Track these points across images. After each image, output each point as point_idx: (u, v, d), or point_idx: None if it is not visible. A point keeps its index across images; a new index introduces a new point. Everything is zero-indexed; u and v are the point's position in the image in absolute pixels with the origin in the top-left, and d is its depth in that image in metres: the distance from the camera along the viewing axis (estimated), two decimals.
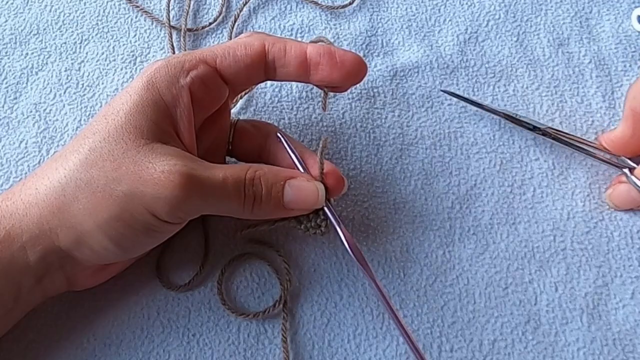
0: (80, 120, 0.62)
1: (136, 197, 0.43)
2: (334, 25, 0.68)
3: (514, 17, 0.68)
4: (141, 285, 0.55)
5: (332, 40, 0.67)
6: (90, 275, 0.50)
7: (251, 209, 0.47)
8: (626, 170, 0.56)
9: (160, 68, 0.47)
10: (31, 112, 0.63)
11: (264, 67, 0.50)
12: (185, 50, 0.66)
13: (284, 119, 0.62)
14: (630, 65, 0.65)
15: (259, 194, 0.47)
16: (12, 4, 0.69)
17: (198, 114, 0.49)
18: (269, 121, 0.60)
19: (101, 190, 0.43)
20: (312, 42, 0.63)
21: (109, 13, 0.69)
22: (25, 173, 0.59)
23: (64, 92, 0.64)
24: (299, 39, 0.67)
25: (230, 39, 0.67)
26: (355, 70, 0.50)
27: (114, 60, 0.66)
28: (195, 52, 0.49)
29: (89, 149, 0.45)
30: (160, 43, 0.67)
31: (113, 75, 0.65)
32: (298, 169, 0.50)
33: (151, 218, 0.44)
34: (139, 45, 0.67)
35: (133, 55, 0.66)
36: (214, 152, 0.54)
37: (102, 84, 0.65)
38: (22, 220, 0.45)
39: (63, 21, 0.68)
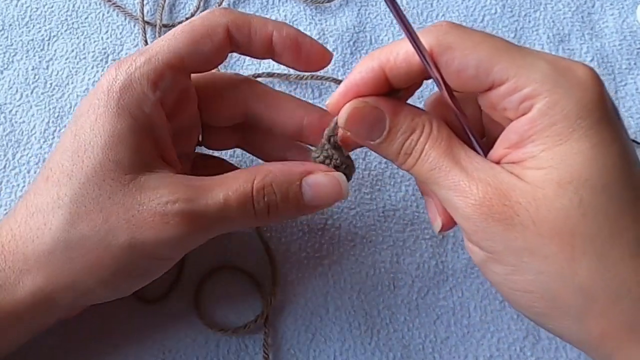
0: (49, 122, 0.63)
1: (136, 247, 0.42)
2: (319, 20, 0.69)
3: (511, 11, 0.69)
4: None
5: (317, 37, 0.67)
6: (79, 309, 0.51)
7: (267, 218, 0.46)
8: None
9: (126, 87, 0.45)
10: None
11: (228, 51, 0.49)
12: None
13: None
14: (635, 63, 0.66)
15: (274, 202, 0.45)
16: None
17: (173, 123, 0.48)
18: None
19: (96, 246, 0.42)
20: None
21: (79, 8, 0.69)
22: None
23: (31, 92, 0.64)
24: None
25: None
26: (320, 63, 0.49)
27: (85, 58, 0.66)
28: (158, 54, 0.46)
29: (70, 201, 0.43)
30: (134, 39, 0.67)
31: (83, 74, 0.65)
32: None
33: (154, 261, 0.45)
34: (111, 42, 0.67)
35: (105, 53, 0.67)
36: (186, 138, 0.52)
37: (72, 83, 0.65)
38: (15, 291, 0.43)
39: (30, 16, 0.68)
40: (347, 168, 0.48)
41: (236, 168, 0.55)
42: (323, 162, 0.47)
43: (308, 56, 0.49)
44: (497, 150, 0.41)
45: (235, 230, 0.47)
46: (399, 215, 0.59)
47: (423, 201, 0.59)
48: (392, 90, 0.43)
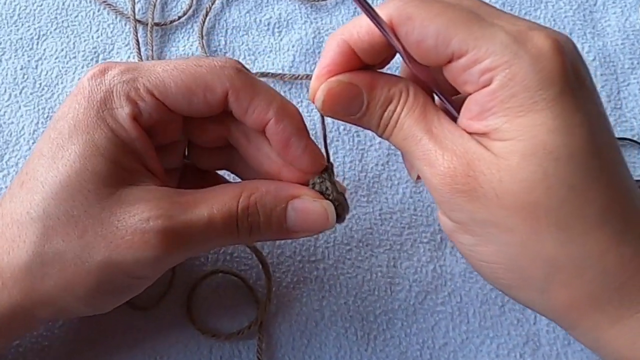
0: (38, 123, 0.63)
1: (113, 265, 0.42)
2: (315, 19, 0.69)
3: (511, 10, 0.70)
4: None
5: (312, 36, 0.68)
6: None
7: (248, 238, 0.46)
8: None
9: (105, 100, 0.44)
10: None
11: (224, 110, 0.47)
12: (152, 46, 0.67)
13: None
14: (638, 63, 0.66)
15: (256, 224, 0.45)
16: None
17: (154, 139, 0.47)
18: None
19: (72, 263, 0.42)
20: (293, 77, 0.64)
21: (68, 6, 0.69)
22: None
23: (20, 92, 0.65)
24: (277, 35, 0.68)
25: (202, 35, 0.68)
26: (304, 172, 0.48)
27: (75, 57, 0.67)
28: (142, 77, 0.45)
29: (44, 213, 0.42)
30: (125, 39, 0.68)
31: (73, 73, 0.66)
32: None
33: (133, 280, 0.44)
34: (101, 41, 0.68)
35: (95, 52, 0.67)
36: (170, 153, 0.51)
37: (62, 83, 0.65)
38: None
39: (19, 15, 0.69)
40: (339, 206, 0.47)
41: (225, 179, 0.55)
42: None
43: (294, 161, 0.47)
44: (460, 121, 0.41)
45: (215, 248, 0.47)
46: (396, 218, 0.59)
47: (421, 204, 0.59)
48: (363, 65, 0.43)
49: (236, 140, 0.49)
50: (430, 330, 0.55)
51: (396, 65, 0.46)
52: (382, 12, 0.39)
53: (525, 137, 0.37)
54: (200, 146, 0.51)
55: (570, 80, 0.37)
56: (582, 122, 0.37)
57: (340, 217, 0.48)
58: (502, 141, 0.38)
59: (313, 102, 0.43)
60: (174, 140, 0.50)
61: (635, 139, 0.62)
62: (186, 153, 0.52)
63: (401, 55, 0.41)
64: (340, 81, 0.42)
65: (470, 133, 0.40)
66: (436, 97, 0.44)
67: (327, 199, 0.47)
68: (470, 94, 0.40)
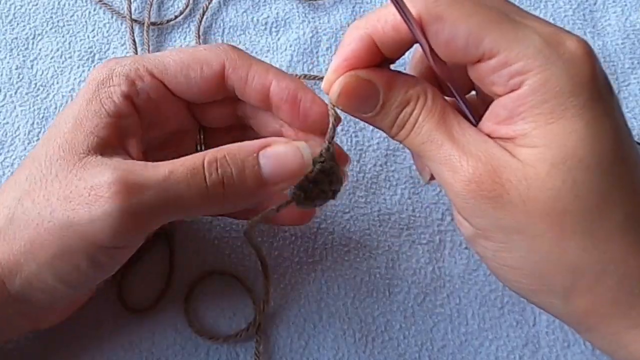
0: (33, 123, 0.63)
1: (69, 226, 0.42)
2: (313, 18, 0.69)
3: None
4: (100, 304, 0.55)
5: (310, 35, 0.68)
6: (53, 314, 0.50)
7: (222, 196, 0.44)
8: None
9: (104, 79, 0.46)
10: None
11: (223, 89, 0.48)
12: (148, 46, 0.67)
13: None
14: (638, 62, 0.67)
15: (229, 175, 0.43)
16: None
17: (153, 129, 0.49)
18: None
19: (35, 224, 0.42)
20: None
21: (64, 5, 0.69)
22: None
23: (15, 92, 0.65)
24: (274, 34, 0.68)
25: (199, 34, 0.68)
26: (319, 125, 0.47)
27: (70, 57, 0.67)
28: (144, 59, 0.48)
29: (25, 178, 0.44)
30: (121, 38, 0.68)
31: (69, 73, 0.66)
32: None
33: (94, 248, 0.42)
34: (97, 40, 0.68)
35: (91, 52, 0.67)
36: (177, 142, 0.52)
37: (57, 83, 0.65)
38: None
39: (14, 14, 0.69)
40: (333, 174, 0.46)
41: None
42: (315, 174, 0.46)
43: (306, 114, 0.47)
44: (485, 125, 0.41)
45: (193, 216, 0.45)
46: (394, 220, 0.59)
47: (420, 205, 0.60)
48: (384, 60, 0.43)
49: (244, 119, 0.51)
50: (429, 332, 0.55)
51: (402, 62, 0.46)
52: (411, 9, 0.38)
53: (556, 144, 0.37)
54: (212, 129, 0.53)
55: (600, 86, 0.38)
56: (610, 129, 0.37)
57: (333, 189, 0.47)
58: (530, 148, 0.38)
59: (327, 94, 0.43)
60: (180, 129, 0.51)
61: (636, 139, 0.62)
62: (202, 144, 0.53)
63: (425, 53, 0.41)
64: (359, 77, 0.42)
65: (494, 138, 0.40)
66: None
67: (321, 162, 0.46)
68: (497, 95, 0.40)
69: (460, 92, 0.43)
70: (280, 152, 0.44)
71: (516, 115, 0.38)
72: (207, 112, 0.51)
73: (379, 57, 0.42)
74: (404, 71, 0.44)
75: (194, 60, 0.47)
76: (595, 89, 0.37)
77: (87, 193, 0.41)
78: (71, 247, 0.42)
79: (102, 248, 0.43)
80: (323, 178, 0.46)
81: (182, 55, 0.48)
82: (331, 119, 0.46)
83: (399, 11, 0.38)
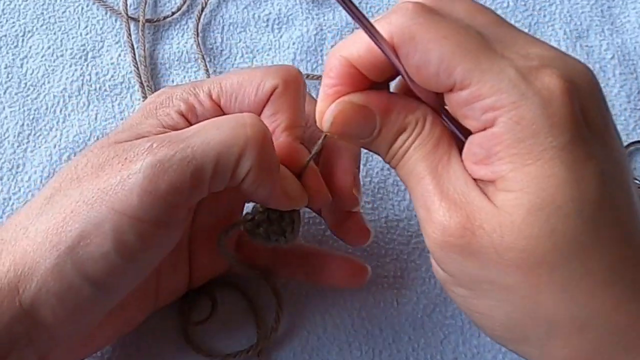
0: (23, 124, 0.63)
1: (98, 199, 0.41)
2: (317, 14, 0.69)
3: (525, 5, 0.69)
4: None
5: (314, 33, 0.68)
6: (67, 352, 0.47)
7: (260, 146, 0.43)
8: None
9: (163, 101, 0.48)
10: None
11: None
12: (144, 45, 0.66)
13: None
14: None
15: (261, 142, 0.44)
16: None
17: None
18: None
19: (62, 210, 0.42)
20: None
21: (55, 1, 0.69)
22: None
23: (4, 93, 0.64)
24: (277, 31, 0.68)
25: (197, 32, 0.67)
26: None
27: (62, 55, 0.66)
28: (204, 83, 0.49)
29: (55, 179, 0.45)
30: (116, 36, 0.67)
31: (61, 72, 0.65)
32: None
33: (121, 220, 0.41)
34: (90, 38, 0.67)
35: (84, 50, 0.67)
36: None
37: (48, 82, 0.65)
38: None
39: (3, 10, 0.69)
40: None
41: None
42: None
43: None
44: (465, 163, 0.39)
45: (232, 182, 0.44)
46: (402, 226, 0.59)
47: None
48: (373, 83, 0.41)
49: None
50: (439, 345, 0.55)
51: None
52: (384, 28, 0.37)
53: (533, 189, 0.36)
54: None
55: (580, 126, 0.36)
56: (594, 173, 0.36)
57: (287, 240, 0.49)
58: (507, 192, 0.36)
59: (319, 125, 0.42)
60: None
61: None
62: None
63: (402, 76, 0.39)
64: (353, 103, 0.41)
65: (475, 179, 0.39)
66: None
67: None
68: (471, 132, 0.38)
69: (444, 111, 0.41)
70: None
71: (493, 155, 0.37)
72: None
73: (366, 81, 0.41)
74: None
75: (249, 81, 0.48)
76: (576, 130, 0.36)
77: (119, 164, 0.42)
78: (97, 221, 0.41)
79: (131, 220, 0.41)
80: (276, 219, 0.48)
81: (238, 76, 0.48)
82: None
83: (365, 30, 0.36)
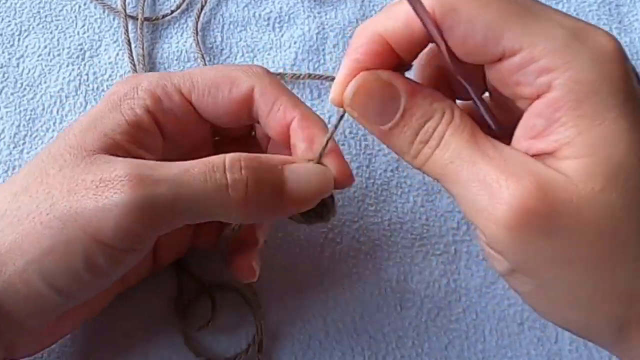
0: (19, 125, 0.62)
1: (70, 216, 0.40)
2: (319, 13, 0.68)
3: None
4: (96, 325, 0.54)
5: (316, 32, 0.67)
6: (33, 340, 0.48)
7: (242, 202, 0.42)
8: None
9: (128, 92, 0.46)
10: None
11: (249, 114, 0.48)
12: (142, 44, 0.66)
13: None
14: None
15: (254, 177, 0.42)
16: None
17: (173, 145, 0.48)
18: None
19: (32, 218, 0.41)
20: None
21: None
22: None
23: (0, 93, 0.64)
24: (278, 30, 0.68)
25: (197, 30, 0.67)
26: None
27: (59, 54, 0.66)
28: (172, 76, 0.48)
29: (23, 176, 0.44)
30: (114, 35, 0.67)
31: (58, 72, 0.65)
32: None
33: (93, 244, 0.41)
34: (88, 37, 0.67)
35: (81, 49, 0.66)
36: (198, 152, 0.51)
37: (45, 82, 0.65)
38: None
39: None
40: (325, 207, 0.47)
41: None
42: None
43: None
44: (518, 143, 0.38)
45: (208, 217, 0.43)
46: (406, 229, 0.59)
47: (433, 213, 0.59)
48: (398, 63, 0.40)
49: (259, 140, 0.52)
50: (444, 350, 0.55)
51: None
52: (425, 2, 0.36)
53: (604, 153, 0.34)
54: (219, 140, 0.54)
55: (632, 85, 0.35)
56: None
57: (324, 218, 0.48)
58: (576, 159, 0.35)
59: (335, 102, 0.41)
60: (202, 143, 0.52)
61: None
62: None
63: (442, 52, 0.38)
64: (379, 77, 0.39)
65: (531, 156, 0.37)
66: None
67: None
68: (524, 98, 0.37)
69: (479, 95, 0.41)
70: (308, 169, 0.44)
71: (554, 122, 0.35)
72: (228, 129, 0.52)
73: (393, 59, 0.40)
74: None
75: (223, 79, 0.47)
76: (630, 90, 0.35)
77: (94, 185, 0.40)
78: (68, 240, 0.41)
79: (103, 246, 0.41)
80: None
81: (211, 74, 0.48)
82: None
83: (411, 5, 0.35)
